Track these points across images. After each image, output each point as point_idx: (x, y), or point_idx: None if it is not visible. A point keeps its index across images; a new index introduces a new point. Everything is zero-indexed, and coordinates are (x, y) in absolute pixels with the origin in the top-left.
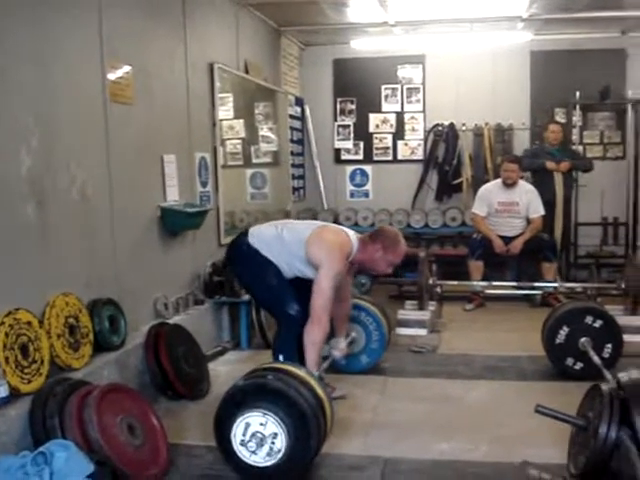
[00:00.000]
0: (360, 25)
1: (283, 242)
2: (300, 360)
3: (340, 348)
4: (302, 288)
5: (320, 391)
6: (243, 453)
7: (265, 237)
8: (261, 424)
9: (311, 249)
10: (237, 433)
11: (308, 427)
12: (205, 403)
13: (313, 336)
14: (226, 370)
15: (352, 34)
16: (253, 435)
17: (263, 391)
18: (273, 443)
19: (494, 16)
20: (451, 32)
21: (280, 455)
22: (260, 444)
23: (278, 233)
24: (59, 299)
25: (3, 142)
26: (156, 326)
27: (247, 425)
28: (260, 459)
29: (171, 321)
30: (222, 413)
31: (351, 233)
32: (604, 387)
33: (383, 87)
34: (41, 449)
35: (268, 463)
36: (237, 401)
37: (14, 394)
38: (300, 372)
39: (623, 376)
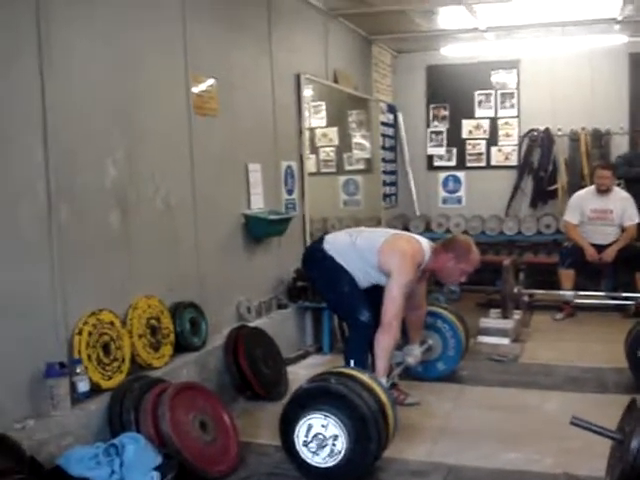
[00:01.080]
0: (450, 32)
1: (357, 250)
2: (372, 366)
3: (414, 355)
4: (374, 294)
5: (383, 396)
6: (305, 453)
7: (340, 244)
8: (322, 426)
9: (383, 257)
10: (300, 434)
11: (368, 430)
12: (281, 404)
13: (383, 343)
14: (306, 373)
15: (443, 41)
16: (315, 436)
17: (325, 394)
18: (334, 445)
19: (587, 19)
20: (545, 36)
21: (340, 457)
22: (321, 445)
23: (352, 241)
24: (142, 301)
25: (89, 154)
26: (237, 328)
27: (309, 426)
28: (321, 460)
29: (253, 324)
30: (287, 414)
31: (424, 241)
32: None
33: (476, 93)
34: (113, 441)
35: (329, 464)
36: (301, 403)
37: (95, 389)
38: (364, 377)
39: None
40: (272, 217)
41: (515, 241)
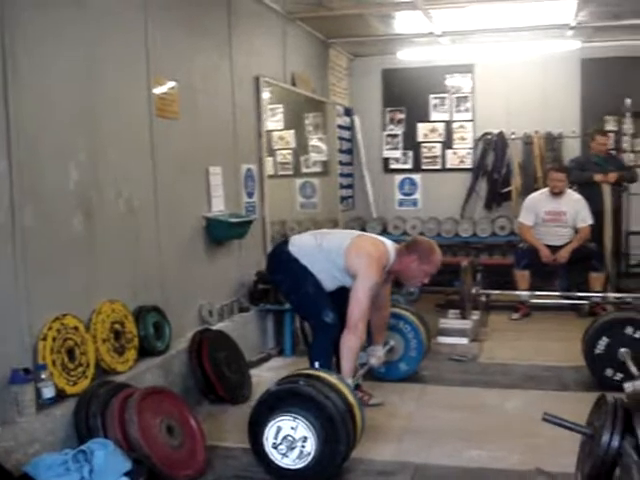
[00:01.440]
0: (406, 36)
1: (322, 252)
2: (337, 367)
3: (377, 356)
4: (339, 295)
5: (350, 397)
6: (275, 455)
7: (305, 246)
8: (292, 428)
9: (349, 259)
10: (269, 436)
11: (337, 431)
12: (246, 407)
13: (349, 344)
14: (269, 376)
15: (399, 45)
16: (284, 438)
17: (294, 396)
18: (303, 446)
19: (542, 25)
20: (500, 41)
21: (310, 458)
22: (291, 447)
23: (318, 243)
24: (105, 305)
25: (52, 158)
26: (200, 332)
27: (279, 429)
28: (290, 462)
29: (215, 328)
30: (255, 417)
31: (389, 243)
32: (609, 397)
33: (432, 96)
34: (82, 447)
35: (298, 466)
36: (269, 405)
37: (60, 395)
38: (331, 378)
39: (628, 386)
40: (233, 220)
41: (470, 243)
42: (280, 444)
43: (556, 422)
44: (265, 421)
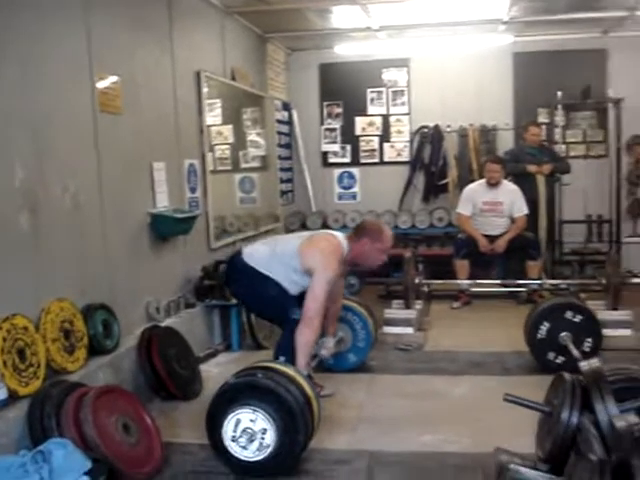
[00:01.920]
0: (344, 30)
1: (276, 256)
2: (291, 360)
3: (328, 347)
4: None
5: (308, 389)
6: (234, 448)
7: (259, 255)
8: (251, 420)
9: (304, 257)
10: (228, 429)
11: (296, 423)
12: (197, 403)
13: (304, 338)
14: (218, 371)
15: (337, 39)
16: (244, 431)
17: (253, 388)
18: (263, 438)
19: (476, 19)
20: (435, 36)
21: (270, 450)
22: (250, 439)
23: (271, 249)
24: (54, 304)
25: None
26: (148, 329)
27: (238, 421)
28: (250, 454)
29: (163, 324)
30: (214, 410)
31: (340, 235)
32: (567, 375)
33: (369, 90)
34: (40, 448)
35: (258, 458)
36: (228, 398)
37: (12, 396)
38: (289, 370)
39: (584, 365)
40: (178, 215)
41: (409, 234)
42: (240, 437)
43: (517, 402)
44: (224, 414)
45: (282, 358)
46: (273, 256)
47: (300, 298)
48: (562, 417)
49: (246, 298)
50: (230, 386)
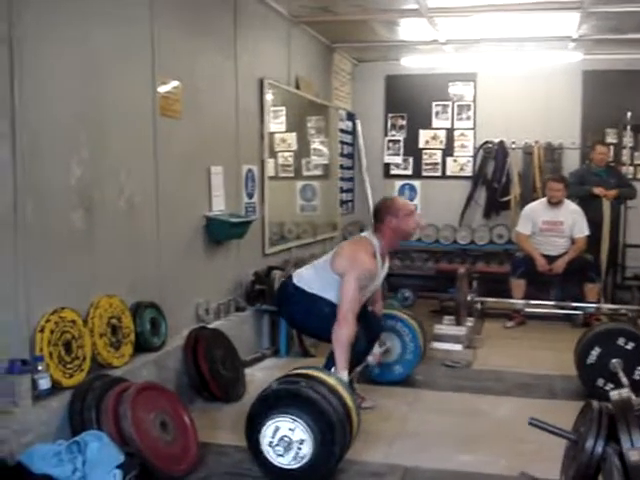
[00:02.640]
0: (410, 43)
1: (319, 275)
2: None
3: (374, 353)
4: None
5: (349, 400)
6: (270, 454)
7: (308, 277)
8: (290, 429)
9: (334, 266)
10: (266, 434)
11: (334, 435)
12: (239, 406)
13: (341, 337)
14: (263, 376)
15: (403, 51)
16: (281, 439)
17: (294, 397)
18: (299, 449)
19: (544, 36)
20: (502, 51)
21: (305, 460)
22: (287, 448)
23: (315, 270)
24: (103, 300)
25: (55, 154)
26: (196, 330)
27: (277, 428)
28: (286, 461)
29: (211, 326)
30: (254, 413)
31: (365, 233)
32: (595, 403)
33: (434, 104)
34: (76, 438)
35: (293, 466)
36: (269, 404)
37: (56, 387)
38: (331, 380)
39: (614, 394)
40: (233, 220)
41: (468, 250)
42: (277, 444)
43: (542, 427)
44: (263, 419)
45: (333, 369)
46: (317, 276)
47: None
48: (587, 446)
49: (302, 321)
50: (272, 392)
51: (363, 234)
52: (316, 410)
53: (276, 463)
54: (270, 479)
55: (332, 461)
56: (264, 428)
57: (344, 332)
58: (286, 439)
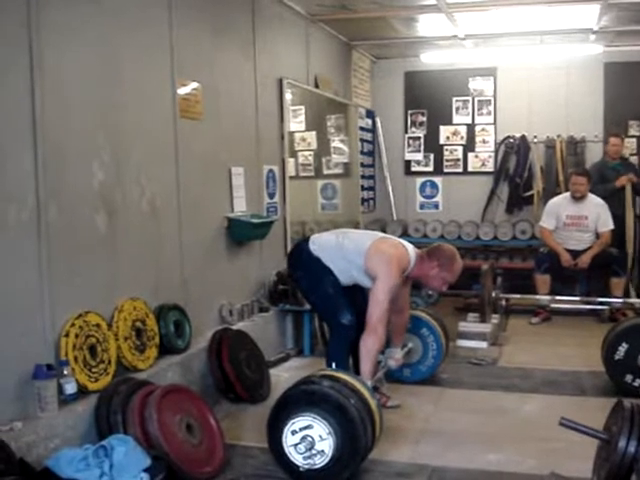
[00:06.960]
0: (430, 39)
1: (342, 250)
2: (355, 368)
3: (396, 358)
4: (355, 295)
5: (370, 399)
6: (293, 455)
7: (325, 245)
8: (312, 429)
9: (370, 261)
10: (288, 435)
11: (356, 433)
12: (264, 407)
13: (369, 346)
14: (288, 376)
15: (422, 47)
16: (304, 438)
17: (315, 397)
18: (322, 448)
19: (564, 29)
20: (522, 45)
21: (328, 459)
22: (310, 447)
23: (339, 242)
24: (127, 303)
25: (76, 157)
26: (220, 331)
27: (299, 429)
28: (309, 462)
29: (235, 327)
30: (275, 415)
31: (409, 247)
32: (627, 402)
33: (454, 99)
34: (102, 443)
35: (317, 466)
36: (290, 405)
37: (82, 391)
38: (352, 380)
39: None
40: (255, 221)
41: (491, 246)
42: (299, 444)
43: (573, 427)
44: (285, 420)
45: (334, 364)
46: (339, 249)
47: (353, 301)
48: (619, 446)
49: (304, 286)
50: (292, 393)
51: (408, 246)
52: (337, 408)
53: (299, 463)
54: None
55: (356, 459)
56: (286, 429)
57: (373, 342)
58: (308, 439)
